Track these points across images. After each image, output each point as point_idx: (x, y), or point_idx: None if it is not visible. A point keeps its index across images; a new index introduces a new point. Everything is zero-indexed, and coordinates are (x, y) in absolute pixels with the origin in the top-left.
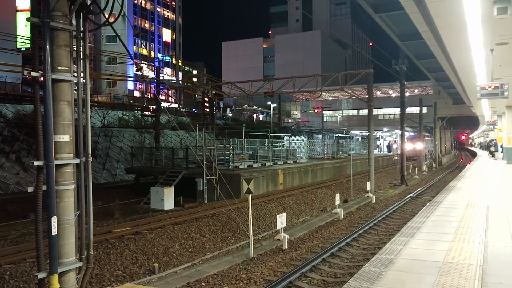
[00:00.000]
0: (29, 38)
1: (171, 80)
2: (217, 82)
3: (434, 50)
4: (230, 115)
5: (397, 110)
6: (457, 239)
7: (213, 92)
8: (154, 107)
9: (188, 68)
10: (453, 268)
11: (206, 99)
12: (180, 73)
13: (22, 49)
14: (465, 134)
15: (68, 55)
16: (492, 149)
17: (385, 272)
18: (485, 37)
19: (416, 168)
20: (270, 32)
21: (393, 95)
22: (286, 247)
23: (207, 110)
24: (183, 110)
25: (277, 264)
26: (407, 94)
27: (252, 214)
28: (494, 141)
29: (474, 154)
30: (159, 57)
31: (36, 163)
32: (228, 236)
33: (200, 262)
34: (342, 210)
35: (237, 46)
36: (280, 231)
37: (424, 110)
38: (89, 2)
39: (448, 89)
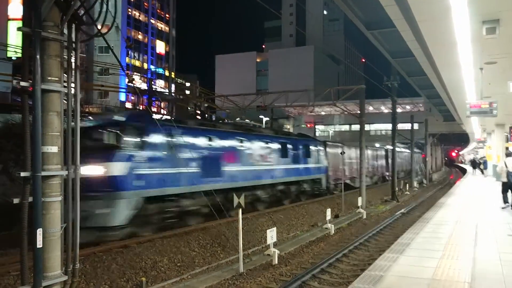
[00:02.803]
0: (20, 47)
1: (164, 92)
2: (210, 95)
3: (425, 67)
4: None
5: (388, 126)
6: (446, 256)
7: (206, 105)
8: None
9: (181, 81)
10: (441, 286)
11: (199, 112)
12: (173, 85)
13: (13, 58)
14: (456, 151)
15: (59, 66)
16: (482, 166)
17: None
18: (474, 56)
19: (407, 184)
20: (263, 46)
21: (385, 111)
22: (276, 262)
23: None
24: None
25: (267, 279)
26: (398, 110)
27: (242, 228)
28: (484, 158)
29: (464, 171)
30: (152, 69)
31: (22, 174)
32: (218, 251)
33: (189, 276)
34: (333, 225)
35: (231, 59)
36: (270, 246)
37: (416, 126)
38: (81, 13)
39: (439, 106)
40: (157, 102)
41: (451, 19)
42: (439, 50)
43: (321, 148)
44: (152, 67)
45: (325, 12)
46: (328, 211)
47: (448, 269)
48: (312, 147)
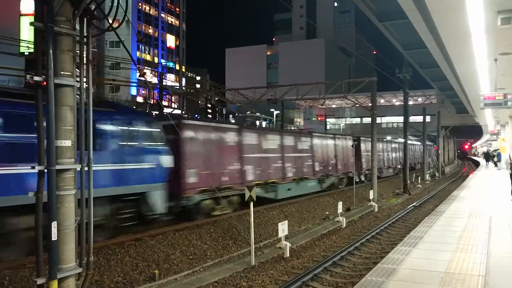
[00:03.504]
0: (32, 43)
1: (174, 86)
2: (220, 89)
3: (438, 59)
4: (233, 121)
5: (400, 119)
6: (459, 249)
7: (216, 98)
8: (157, 112)
9: (191, 74)
10: (455, 279)
11: (209, 106)
12: (184, 79)
13: (26, 53)
14: (469, 144)
15: (71, 60)
16: (495, 159)
17: (387, 282)
18: (488, 47)
19: (419, 177)
20: (274, 39)
21: (397, 103)
22: (288, 255)
23: (210, 116)
24: (186, 116)
25: (278, 272)
26: (410, 102)
27: (254, 221)
28: (498, 151)
29: (477, 164)
30: (163, 63)
31: (37, 167)
32: (230, 244)
33: (201, 269)
34: (344, 218)
35: (241, 52)
36: (281, 239)
37: (428, 119)
38: (93, 7)
39: (452, 98)
40: (168, 96)
41: (465, 10)
42: (453, 41)
43: (156, 130)
44: (162, 61)
45: (336, 4)
46: (340, 204)
47: (462, 262)
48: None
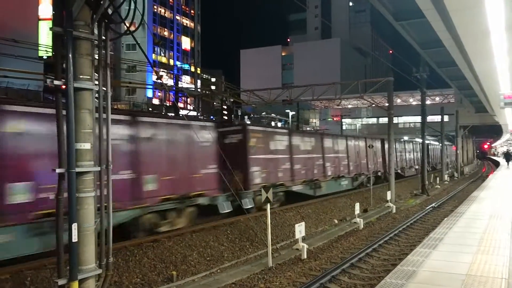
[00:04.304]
0: (50, 47)
1: (190, 87)
2: (236, 90)
3: (456, 58)
4: (248, 122)
5: (417, 119)
6: (480, 251)
7: (232, 99)
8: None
9: (206, 76)
10: (477, 281)
11: (225, 107)
12: (199, 81)
13: (44, 57)
14: (488, 143)
15: (90, 64)
16: None
17: (407, 284)
18: (509, 44)
19: (438, 178)
20: (288, 40)
21: (414, 103)
22: (305, 257)
23: (226, 117)
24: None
25: (296, 274)
26: (428, 102)
27: (270, 223)
28: None
29: (497, 164)
30: (178, 65)
31: (58, 170)
32: (246, 245)
33: (218, 270)
34: (361, 220)
35: (256, 54)
36: (299, 241)
37: (446, 118)
38: (110, 12)
39: (471, 98)
40: (183, 98)
41: (484, 8)
42: (472, 40)
43: None
44: (178, 63)
45: (351, 4)
46: (357, 206)
47: (483, 265)
48: None
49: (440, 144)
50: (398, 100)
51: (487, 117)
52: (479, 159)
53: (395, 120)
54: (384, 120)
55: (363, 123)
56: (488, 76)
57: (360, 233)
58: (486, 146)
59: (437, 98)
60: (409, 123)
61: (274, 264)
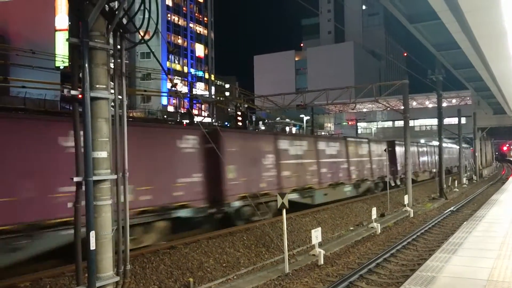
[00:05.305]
0: (67, 57)
1: (204, 94)
2: (250, 96)
3: (472, 59)
4: (263, 128)
5: (434, 121)
6: (502, 256)
7: (246, 105)
8: (188, 121)
9: (220, 83)
10: (499, 287)
11: (239, 113)
12: (213, 88)
13: (61, 67)
14: (507, 145)
15: (106, 73)
16: None
17: None
18: None
19: (456, 181)
20: (301, 44)
21: (430, 105)
22: (322, 262)
23: (240, 123)
24: (217, 124)
25: (313, 280)
26: (444, 104)
27: (286, 228)
28: None
29: None
30: (192, 72)
31: (75, 179)
32: (263, 251)
33: (235, 277)
34: (379, 224)
35: (269, 59)
36: (315, 246)
37: (463, 120)
38: (125, 21)
39: (488, 99)
40: (198, 105)
41: (500, 8)
42: (488, 41)
43: None
44: (192, 70)
45: (364, 7)
46: (374, 210)
47: (505, 270)
48: None
49: (455, 147)
50: (414, 103)
51: (506, 118)
52: (498, 161)
53: (411, 123)
54: (399, 123)
55: (379, 126)
56: (506, 77)
57: (377, 238)
58: (505, 148)
59: (454, 100)
60: (425, 126)
61: (290, 270)
